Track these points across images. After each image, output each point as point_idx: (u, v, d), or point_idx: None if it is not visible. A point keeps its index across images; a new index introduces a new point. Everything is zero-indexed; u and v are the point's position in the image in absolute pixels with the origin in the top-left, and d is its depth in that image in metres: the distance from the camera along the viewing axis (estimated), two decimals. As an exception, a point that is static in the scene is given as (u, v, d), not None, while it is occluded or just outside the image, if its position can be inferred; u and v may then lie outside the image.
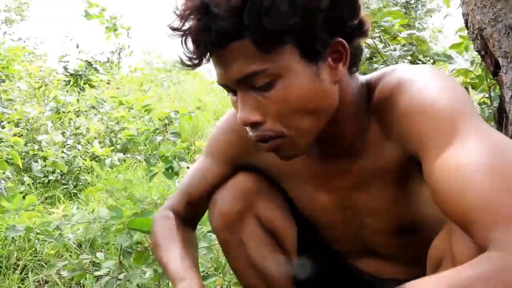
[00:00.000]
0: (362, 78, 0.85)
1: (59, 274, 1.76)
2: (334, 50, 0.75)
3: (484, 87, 2.67)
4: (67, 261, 1.33)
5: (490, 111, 2.68)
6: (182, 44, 0.73)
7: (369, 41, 2.60)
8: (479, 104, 2.78)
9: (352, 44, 0.77)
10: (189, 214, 1.05)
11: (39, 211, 1.58)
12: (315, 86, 0.74)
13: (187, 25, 0.72)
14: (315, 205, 0.96)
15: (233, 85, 0.75)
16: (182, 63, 0.75)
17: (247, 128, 0.77)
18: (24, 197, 1.73)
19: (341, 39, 0.74)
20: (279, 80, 0.72)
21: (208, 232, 1.38)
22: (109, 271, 1.29)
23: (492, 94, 2.66)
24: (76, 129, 3.49)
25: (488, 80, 2.57)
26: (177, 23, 0.72)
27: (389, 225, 0.90)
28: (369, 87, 0.83)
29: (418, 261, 0.93)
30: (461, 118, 0.65)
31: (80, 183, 3.24)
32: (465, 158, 0.60)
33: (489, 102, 2.69)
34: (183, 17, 0.71)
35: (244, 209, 1.00)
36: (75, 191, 3.17)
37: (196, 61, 0.74)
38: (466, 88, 2.71)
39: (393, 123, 0.77)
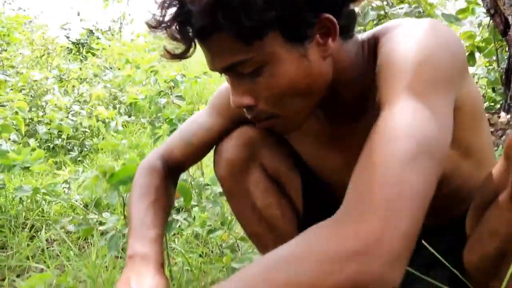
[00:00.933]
0: (364, 36, 0.83)
1: (67, 232, 1.79)
2: (322, 26, 0.72)
3: (491, 50, 2.64)
4: (73, 217, 1.35)
5: (497, 74, 2.65)
6: (165, 36, 0.72)
7: (377, 2, 2.56)
8: (486, 66, 2.76)
9: (341, 14, 0.74)
10: (183, 162, 1.04)
11: (49, 164, 1.58)
12: (304, 67, 0.72)
13: (167, 18, 0.70)
14: (324, 165, 0.96)
15: (222, 72, 0.75)
16: (169, 54, 0.74)
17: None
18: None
19: (327, 15, 0.71)
20: (266, 67, 0.71)
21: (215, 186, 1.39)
22: (114, 227, 1.30)
23: (499, 56, 2.63)
24: (79, 95, 3.48)
25: (496, 42, 2.54)
26: (157, 16, 0.71)
27: None
28: (375, 43, 0.80)
29: (437, 211, 0.93)
30: (419, 88, 0.63)
31: (86, 149, 3.25)
32: (389, 133, 0.60)
33: (495, 65, 2.67)
34: (162, 8, 0.70)
35: (249, 157, 1.00)
36: (80, 158, 3.19)
37: (182, 52, 0.73)
38: (472, 53, 2.69)
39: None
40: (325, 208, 1.04)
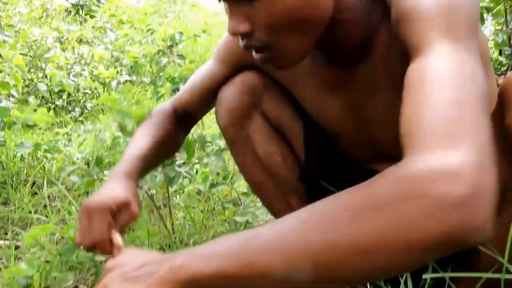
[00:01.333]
0: None
1: (68, 190, 1.79)
2: None
3: (500, 10, 2.57)
4: (77, 167, 1.34)
5: (504, 36, 2.60)
6: None
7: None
8: (494, 27, 2.70)
9: None
10: (191, 111, 1.06)
11: (51, 116, 1.56)
12: None
13: None
14: (325, 112, 0.94)
15: None
16: None
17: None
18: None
19: None
20: None
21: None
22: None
23: (508, 18, 2.57)
24: (80, 57, 3.44)
25: (506, 1, 2.47)
26: None
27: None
28: None
29: None
30: (454, 31, 0.60)
31: (87, 110, 3.23)
32: (431, 71, 0.55)
33: (504, 27, 2.61)
34: None
35: (251, 104, 0.99)
36: (81, 118, 3.17)
37: None
38: (481, 14, 2.62)
39: (394, 24, 0.70)
40: (327, 158, 1.04)
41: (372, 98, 0.86)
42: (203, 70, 1.05)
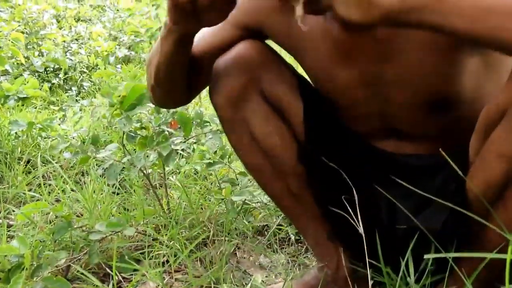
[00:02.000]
0: None
1: (63, 168, 1.76)
2: None
3: None
4: (70, 143, 1.31)
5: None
6: None
7: None
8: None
9: None
10: (200, 62, 0.97)
11: (45, 90, 1.52)
12: None
13: None
14: (334, 82, 0.89)
15: None
16: None
17: None
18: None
19: None
20: None
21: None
22: (112, 155, 1.26)
23: None
24: (77, 35, 3.38)
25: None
26: None
27: (420, 100, 0.84)
28: None
29: (443, 138, 0.89)
30: None
31: (83, 90, 3.19)
32: None
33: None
34: None
35: (249, 83, 0.93)
36: (78, 98, 3.13)
37: None
38: None
39: None
40: (328, 136, 1.00)
41: (392, 60, 0.82)
42: (211, 31, 0.95)
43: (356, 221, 0.82)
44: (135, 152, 1.30)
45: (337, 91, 0.91)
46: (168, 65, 0.89)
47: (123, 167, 1.35)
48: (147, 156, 1.20)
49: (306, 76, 1.00)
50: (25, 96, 1.51)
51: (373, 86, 0.86)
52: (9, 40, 2.29)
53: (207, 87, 1.00)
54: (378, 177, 0.93)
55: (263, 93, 0.95)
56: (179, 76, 0.94)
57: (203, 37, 0.95)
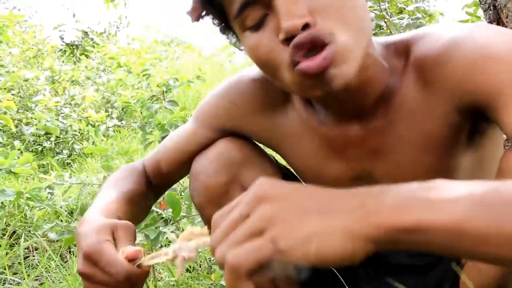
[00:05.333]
0: (379, 40, 0.79)
1: (49, 241, 1.71)
2: None
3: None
4: (55, 223, 1.27)
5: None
6: None
7: (375, 11, 2.54)
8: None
9: None
10: (165, 174, 0.97)
11: (34, 168, 1.50)
12: None
13: None
14: (322, 178, 0.87)
15: None
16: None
17: (280, 46, 0.66)
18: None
19: None
20: None
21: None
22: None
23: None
24: (71, 98, 3.41)
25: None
26: None
27: None
28: (401, 46, 0.76)
29: None
30: None
31: (75, 153, 3.17)
32: None
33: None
34: None
35: (230, 180, 0.89)
36: (69, 160, 3.11)
37: None
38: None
39: (447, 78, 0.70)
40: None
41: (384, 159, 0.81)
42: (182, 133, 0.95)
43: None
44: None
45: (325, 184, 0.90)
46: None
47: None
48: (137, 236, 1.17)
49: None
50: (15, 172, 1.50)
51: (363, 180, 0.85)
52: (2, 107, 2.30)
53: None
54: (368, 276, 0.90)
55: (245, 189, 0.91)
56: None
57: (175, 147, 0.94)
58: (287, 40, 0.64)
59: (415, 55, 0.74)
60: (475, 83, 0.66)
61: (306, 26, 0.63)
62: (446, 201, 0.46)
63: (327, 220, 0.47)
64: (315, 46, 0.63)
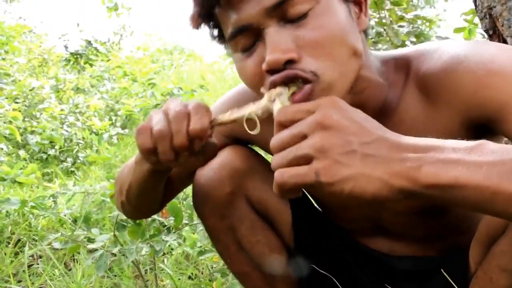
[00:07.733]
0: (379, 54, 0.80)
1: (53, 249, 1.73)
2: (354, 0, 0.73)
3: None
4: (60, 233, 1.30)
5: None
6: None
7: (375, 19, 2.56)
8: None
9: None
10: (174, 177, 0.94)
11: (38, 178, 1.53)
12: (348, 22, 0.69)
13: None
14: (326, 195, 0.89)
15: (261, 18, 0.65)
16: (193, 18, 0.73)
17: (264, 73, 0.67)
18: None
19: None
20: (316, 6, 0.66)
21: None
22: (103, 245, 1.25)
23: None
24: (75, 106, 3.44)
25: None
26: None
27: (416, 207, 0.83)
28: (401, 61, 0.78)
29: (438, 239, 0.88)
30: None
31: (79, 161, 3.19)
32: None
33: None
34: None
35: (234, 191, 0.90)
36: (73, 169, 3.13)
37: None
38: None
39: (452, 94, 0.71)
40: (318, 243, 0.98)
41: None
42: None
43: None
44: (126, 244, 1.28)
45: (327, 197, 0.91)
46: (140, 189, 0.85)
47: (113, 255, 1.34)
48: (140, 249, 1.18)
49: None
50: (20, 182, 1.52)
51: None
52: (8, 117, 2.34)
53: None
54: (371, 282, 0.91)
55: (250, 200, 0.92)
56: (152, 199, 0.91)
57: None
58: (269, 71, 0.66)
59: (417, 70, 0.75)
60: (482, 98, 0.68)
61: (290, 62, 0.65)
62: (483, 163, 0.50)
63: (369, 167, 0.53)
64: (293, 79, 0.66)
